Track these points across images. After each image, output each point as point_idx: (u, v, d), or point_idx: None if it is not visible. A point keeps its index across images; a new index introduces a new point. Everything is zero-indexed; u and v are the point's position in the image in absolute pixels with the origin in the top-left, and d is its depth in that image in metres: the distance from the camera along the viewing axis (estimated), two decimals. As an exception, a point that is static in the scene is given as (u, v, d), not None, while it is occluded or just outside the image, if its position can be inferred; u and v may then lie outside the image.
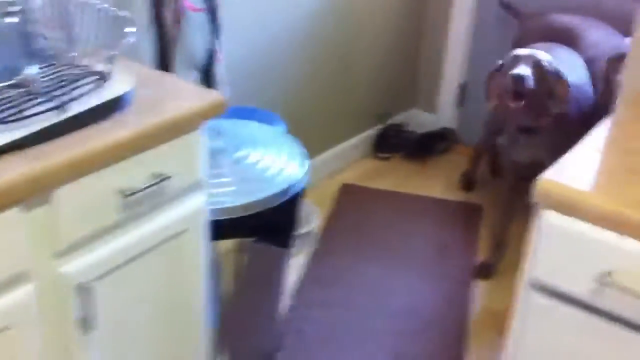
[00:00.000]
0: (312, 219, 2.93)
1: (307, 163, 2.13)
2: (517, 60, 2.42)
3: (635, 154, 1.52)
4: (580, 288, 1.39)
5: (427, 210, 3.21)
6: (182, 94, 1.65)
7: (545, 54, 2.46)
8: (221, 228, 1.91)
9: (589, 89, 2.68)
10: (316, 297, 2.65)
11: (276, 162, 2.10)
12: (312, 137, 3.16)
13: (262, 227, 1.99)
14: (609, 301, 1.37)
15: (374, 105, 3.54)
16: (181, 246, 1.73)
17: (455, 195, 3.33)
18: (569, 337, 1.46)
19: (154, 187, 1.56)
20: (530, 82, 2.36)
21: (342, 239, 2.99)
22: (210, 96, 1.65)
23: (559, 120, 2.48)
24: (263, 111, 2.68)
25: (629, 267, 1.33)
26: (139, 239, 1.60)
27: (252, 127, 2.31)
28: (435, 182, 3.41)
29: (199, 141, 1.66)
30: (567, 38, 2.85)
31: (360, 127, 3.53)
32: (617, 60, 2.56)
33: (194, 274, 1.80)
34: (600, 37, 2.82)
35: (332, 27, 3.08)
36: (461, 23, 3.52)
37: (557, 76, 2.44)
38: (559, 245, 1.40)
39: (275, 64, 2.87)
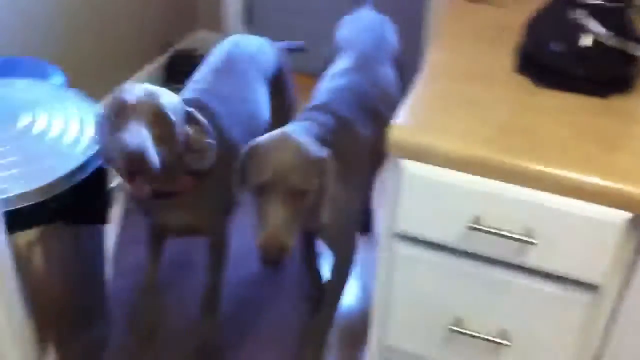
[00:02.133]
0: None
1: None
2: (125, 113, 1.56)
3: (465, 80, 1.44)
4: (448, 235, 1.31)
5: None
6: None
7: (167, 95, 1.64)
8: (16, 218, 1.59)
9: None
10: (136, 259, 2.39)
11: (68, 128, 1.77)
12: (90, 78, 2.79)
13: (68, 208, 1.69)
14: (477, 244, 1.29)
15: (154, 32, 3.19)
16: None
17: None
18: (437, 282, 1.38)
19: None
20: (153, 157, 1.53)
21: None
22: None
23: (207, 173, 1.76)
24: (28, 60, 2.27)
25: (495, 208, 1.25)
26: None
27: (24, 86, 1.94)
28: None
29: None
30: None
31: (144, 59, 3.19)
32: None
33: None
34: None
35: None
36: None
37: (196, 124, 1.70)
38: (422, 194, 1.29)
39: (30, 4, 2.42)
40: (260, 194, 1.54)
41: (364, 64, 1.96)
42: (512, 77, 1.47)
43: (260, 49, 2.12)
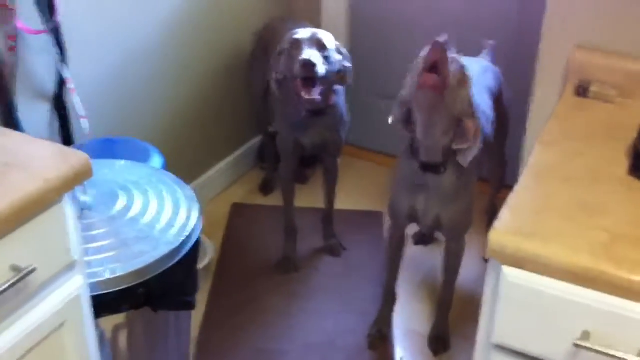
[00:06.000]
0: (205, 253, 2.61)
1: (196, 208, 1.83)
2: (300, 45, 2.24)
3: (574, 181, 1.36)
4: (552, 351, 1.20)
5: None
6: (33, 159, 1.31)
7: (325, 33, 2.32)
8: (105, 303, 1.59)
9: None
10: (220, 344, 2.35)
11: (162, 213, 1.78)
12: (189, 158, 2.84)
13: (156, 293, 1.67)
14: (584, 361, 1.17)
15: (250, 119, 3.22)
16: (60, 343, 1.39)
17: (353, 204, 3.10)
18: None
19: (15, 285, 1.22)
20: (320, 66, 2.19)
21: (239, 270, 2.69)
22: (72, 159, 1.31)
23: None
24: (130, 140, 2.31)
25: (605, 326, 1.14)
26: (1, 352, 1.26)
27: (123, 168, 1.97)
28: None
29: (66, 215, 1.33)
30: None
31: (241, 139, 3.24)
32: None
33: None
34: None
35: (193, 33, 2.72)
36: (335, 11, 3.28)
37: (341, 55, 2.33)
38: (523, 305, 1.19)
39: (134, 84, 2.50)
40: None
41: None
42: (625, 179, 1.37)
43: None
